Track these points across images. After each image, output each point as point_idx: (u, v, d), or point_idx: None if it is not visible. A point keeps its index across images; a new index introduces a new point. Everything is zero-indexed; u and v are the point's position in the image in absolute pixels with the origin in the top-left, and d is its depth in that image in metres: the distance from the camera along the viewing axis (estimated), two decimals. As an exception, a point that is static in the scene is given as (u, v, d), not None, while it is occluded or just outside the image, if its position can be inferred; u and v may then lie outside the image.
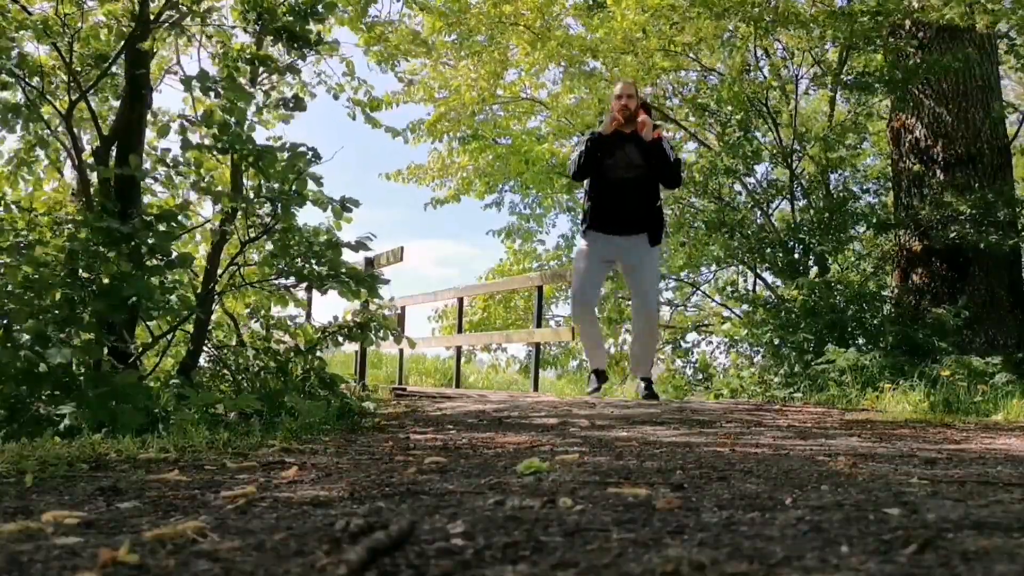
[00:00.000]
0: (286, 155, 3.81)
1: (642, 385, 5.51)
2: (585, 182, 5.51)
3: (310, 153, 3.84)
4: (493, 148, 10.99)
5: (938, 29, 7.00)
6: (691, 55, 8.52)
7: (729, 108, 7.66)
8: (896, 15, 6.67)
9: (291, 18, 3.96)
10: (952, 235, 6.76)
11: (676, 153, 5.61)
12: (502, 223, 13.10)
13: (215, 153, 3.87)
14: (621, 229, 5.34)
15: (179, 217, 3.83)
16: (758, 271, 8.45)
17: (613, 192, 5.32)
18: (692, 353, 9.51)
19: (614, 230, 5.35)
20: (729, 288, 8.50)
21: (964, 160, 7.13)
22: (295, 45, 4.05)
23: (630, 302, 5.73)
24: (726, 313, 9.15)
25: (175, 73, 4.56)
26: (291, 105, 4.19)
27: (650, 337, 5.55)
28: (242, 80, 4.13)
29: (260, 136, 4.80)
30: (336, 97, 5.14)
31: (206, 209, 4.36)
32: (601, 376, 5.65)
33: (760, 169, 8.23)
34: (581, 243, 5.51)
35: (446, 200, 11.84)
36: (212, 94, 3.87)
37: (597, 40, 8.17)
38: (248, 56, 4.07)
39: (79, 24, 4.06)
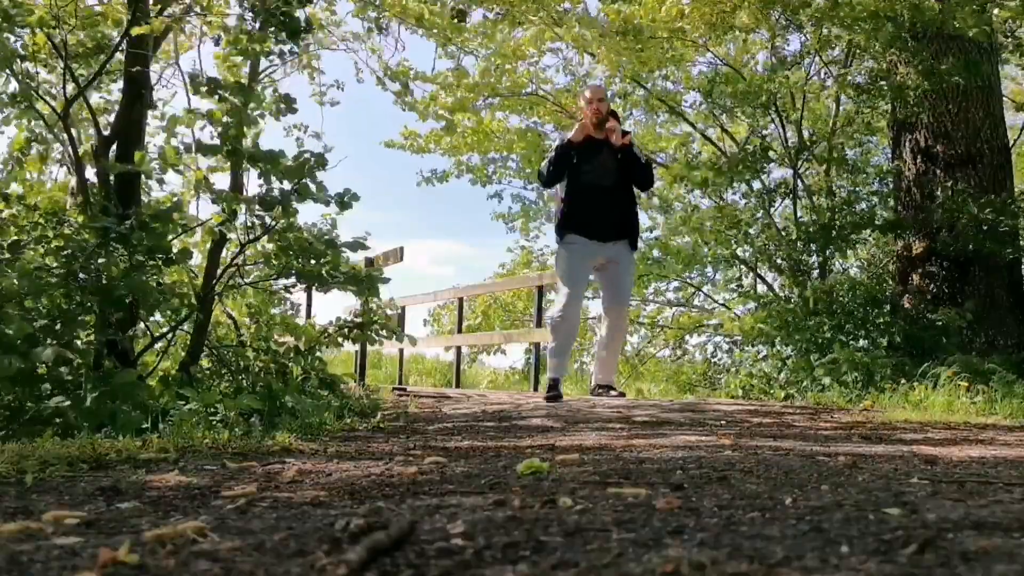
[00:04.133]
0: (289, 160, 3.82)
1: (612, 392, 5.40)
2: (561, 189, 5.46)
3: (312, 160, 3.85)
4: (493, 142, 10.90)
5: (939, 29, 7.00)
6: (709, 50, 8.50)
7: (755, 103, 7.56)
8: (925, 22, 6.62)
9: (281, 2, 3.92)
10: (959, 241, 6.76)
11: (645, 155, 5.62)
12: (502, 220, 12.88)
13: (220, 155, 3.87)
14: (603, 235, 5.32)
15: (175, 215, 3.83)
16: (761, 271, 8.47)
17: (592, 198, 5.30)
18: (695, 353, 9.52)
19: (596, 235, 5.32)
20: (735, 284, 8.52)
21: (964, 160, 7.13)
22: (288, 32, 4.02)
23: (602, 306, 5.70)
24: (728, 313, 9.16)
25: (175, 68, 4.56)
26: (282, 106, 4.19)
27: (620, 341, 5.51)
28: (243, 70, 4.13)
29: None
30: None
31: (205, 208, 4.37)
32: (560, 384, 5.54)
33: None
34: (563, 250, 5.44)
35: (443, 178, 11.62)
36: (215, 97, 3.87)
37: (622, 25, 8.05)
38: (258, 49, 4.05)
39: (73, 19, 4.04)
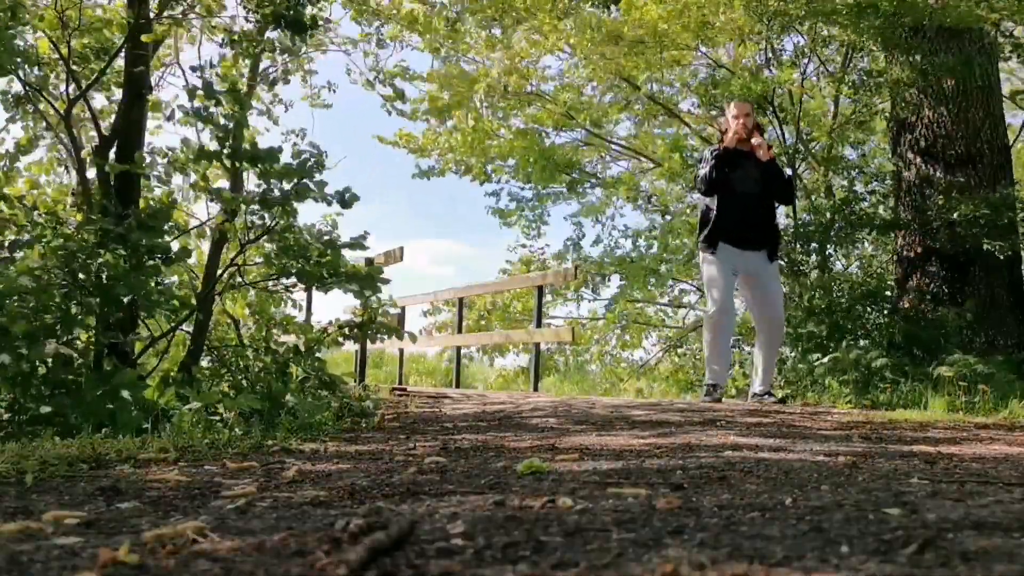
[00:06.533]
0: (288, 160, 3.82)
1: (769, 398, 5.48)
2: (711, 199, 5.61)
3: (312, 160, 3.85)
4: (493, 136, 10.88)
5: (938, 28, 6.99)
6: (702, 50, 8.50)
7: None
8: (914, 15, 6.61)
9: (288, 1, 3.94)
10: (957, 239, 6.75)
11: (788, 171, 5.85)
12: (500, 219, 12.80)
13: (223, 159, 3.87)
14: (747, 243, 5.48)
15: (174, 215, 3.84)
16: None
17: (739, 206, 5.46)
18: (695, 353, 9.52)
19: (741, 243, 5.47)
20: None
21: (964, 160, 7.12)
22: (293, 30, 4.03)
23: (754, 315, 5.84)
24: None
25: (175, 65, 4.57)
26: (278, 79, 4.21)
27: (777, 348, 5.65)
28: (243, 66, 4.13)
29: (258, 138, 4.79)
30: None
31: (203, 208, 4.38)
32: (719, 389, 5.57)
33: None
34: (710, 255, 5.53)
35: (440, 172, 11.60)
36: (213, 102, 3.87)
37: (620, 24, 8.05)
38: (256, 50, 4.06)
39: (78, 21, 4.05)
